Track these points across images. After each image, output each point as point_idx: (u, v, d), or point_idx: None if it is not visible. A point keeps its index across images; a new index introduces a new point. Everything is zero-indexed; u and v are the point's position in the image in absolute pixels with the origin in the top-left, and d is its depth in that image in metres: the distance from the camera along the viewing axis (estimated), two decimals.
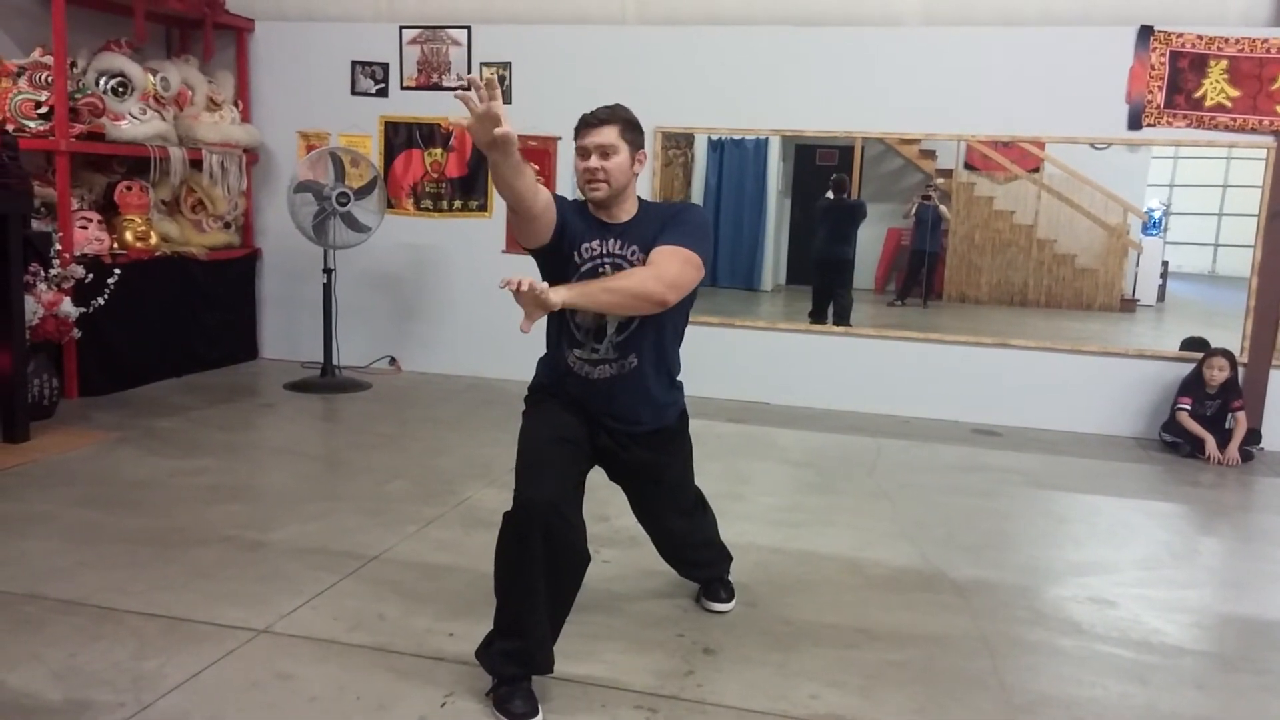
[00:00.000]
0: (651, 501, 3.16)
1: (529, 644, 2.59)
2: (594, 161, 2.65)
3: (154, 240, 6.39)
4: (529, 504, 2.57)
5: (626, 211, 2.76)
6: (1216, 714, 2.81)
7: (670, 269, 2.61)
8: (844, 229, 8.42)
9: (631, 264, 2.70)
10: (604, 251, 2.72)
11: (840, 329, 7.02)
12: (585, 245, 2.71)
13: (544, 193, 2.56)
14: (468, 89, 2.25)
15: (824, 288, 8.22)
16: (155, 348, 6.45)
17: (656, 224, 2.74)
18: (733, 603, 3.35)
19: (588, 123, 2.69)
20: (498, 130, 2.26)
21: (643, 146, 2.75)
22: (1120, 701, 2.85)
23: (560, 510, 2.59)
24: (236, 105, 7.10)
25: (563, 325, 2.82)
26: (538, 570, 2.56)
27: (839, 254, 8.31)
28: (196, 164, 6.71)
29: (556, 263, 2.71)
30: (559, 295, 2.46)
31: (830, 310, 8.05)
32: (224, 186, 6.89)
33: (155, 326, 6.42)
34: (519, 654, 2.59)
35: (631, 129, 2.71)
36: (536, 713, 2.57)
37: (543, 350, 2.99)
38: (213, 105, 6.92)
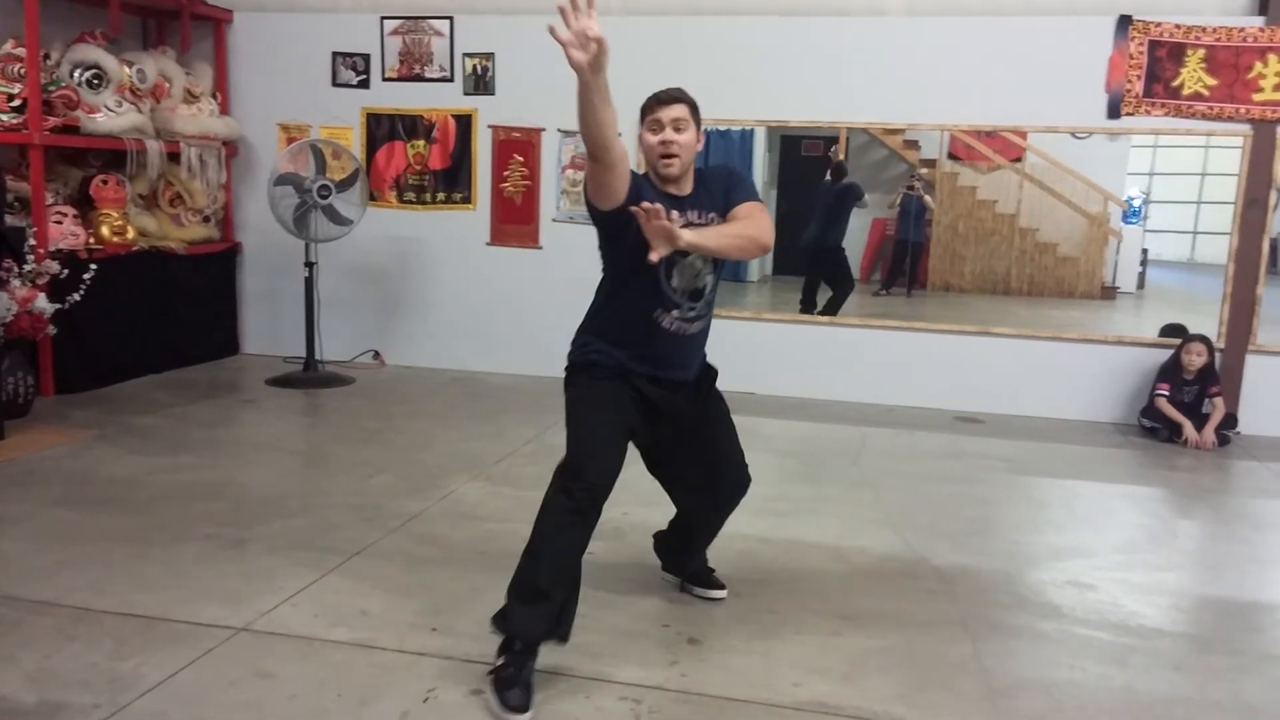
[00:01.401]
0: (708, 449, 3.09)
1: (559, 610, 2.69)
2: (669, 134, 2.75)
3: (131, 235, 6.34)
4: (597, 487, 2.71)
5: (689, 183, 2.86)
6: (1193, 694, 2.84)
7: (766, 221, 2.82)
8: (843, 212, 8.49)
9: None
10: (685, 222, 2.71)
11: (825, 319, 7.03)
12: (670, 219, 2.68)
13: (620, 141, 2.59)
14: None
15: (819, 274, 8.24)
16: (133, 344, 6.40)
17: (719, 189, 2.87)
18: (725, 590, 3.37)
19: (661, 99, 2.80)
20: (594, 37, 2.25)
21: (701, 126, 2.87)
22: (1099, 683, 2.88)
23: (598, 479, 2.73)
24: (215, 97, 7.05)
25: (651, 293, 2.82)
26: (584, 544, 2.74)
27: (834, 239, 8.37)
28: (174, 157, 6.66)
29: (637, 246, 2.58)
30: (687, 235, 2.54)
31: (822, 299, 8.05)
32: (203, 180, 6.84)
33: (133, 322, 6.37)
34: (549, 617, 2.68)
35: (696, 110, 2.84)
36: (529, 707, 2.57)
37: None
38: (190, 97, 6.86)
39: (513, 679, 2.59)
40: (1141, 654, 3.08)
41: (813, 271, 8.29)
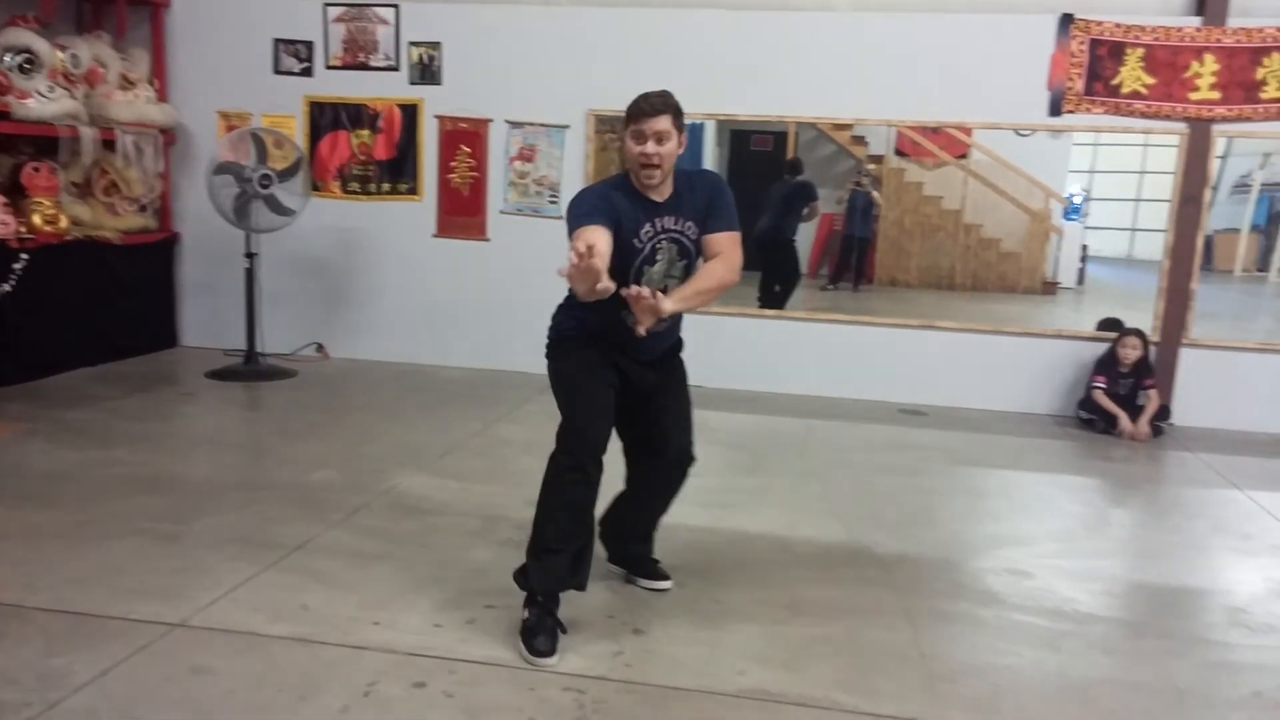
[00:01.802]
0: (661, 417, 3.15)
1: (571, 561, 2.90)
2: (650, 147, 2.81)
3: (64, 224, 6.18)
4: (595, 445, 2.89)
5: (669, 187, 2.95)
6: (1124, 677, 2.90)
7: (736, 256, 2.95)
8: (795, 207, 8.56)
9: (689, 239, 2.96)
10: (659, 229, 2.93)
11: (772, 313, 7.06)
12: (642, 230, 2.90)
13: (603, 242, 2.70)
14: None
15: (772, 267, 8.29)
16: (67, 336, 6.24)
17: (701, 199, 2.97)
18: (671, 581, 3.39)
19: (645, 111, 2.82)
20: (599, 285, 2.50)
21: (684, 130, 2.92)
22: (1034, 668, 2.93)
23: (593, 449, 2.91)
24: (152, 84, 6.89)
25: (619, 302, 2.82)
26: (588, 499, 2.92)
27: (787, 233, 8.44)
28: (110, 145, 6.50)
29: (616, 253, 2.81)
30: (669, 304, 2.72)
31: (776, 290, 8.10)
32: (139, 168, 6.68)
33: (67, 314, 6.21)
34: (561, 569, 2.89)
35: (679, 115, 2.89)
36: (555, 652, 2.81)
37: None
38: (126, 83, 6.70)
39: (536, 628, 2.85)
40: (1075, 638, 3.14)
41: (766, 265, 8.34)
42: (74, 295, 6.26)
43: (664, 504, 3.35)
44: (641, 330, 2.70)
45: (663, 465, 3.21)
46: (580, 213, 2.80)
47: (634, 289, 2.61)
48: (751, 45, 6.39)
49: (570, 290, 2.96)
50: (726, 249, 2.94)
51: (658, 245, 2.93)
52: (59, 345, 6.18)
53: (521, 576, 2.97)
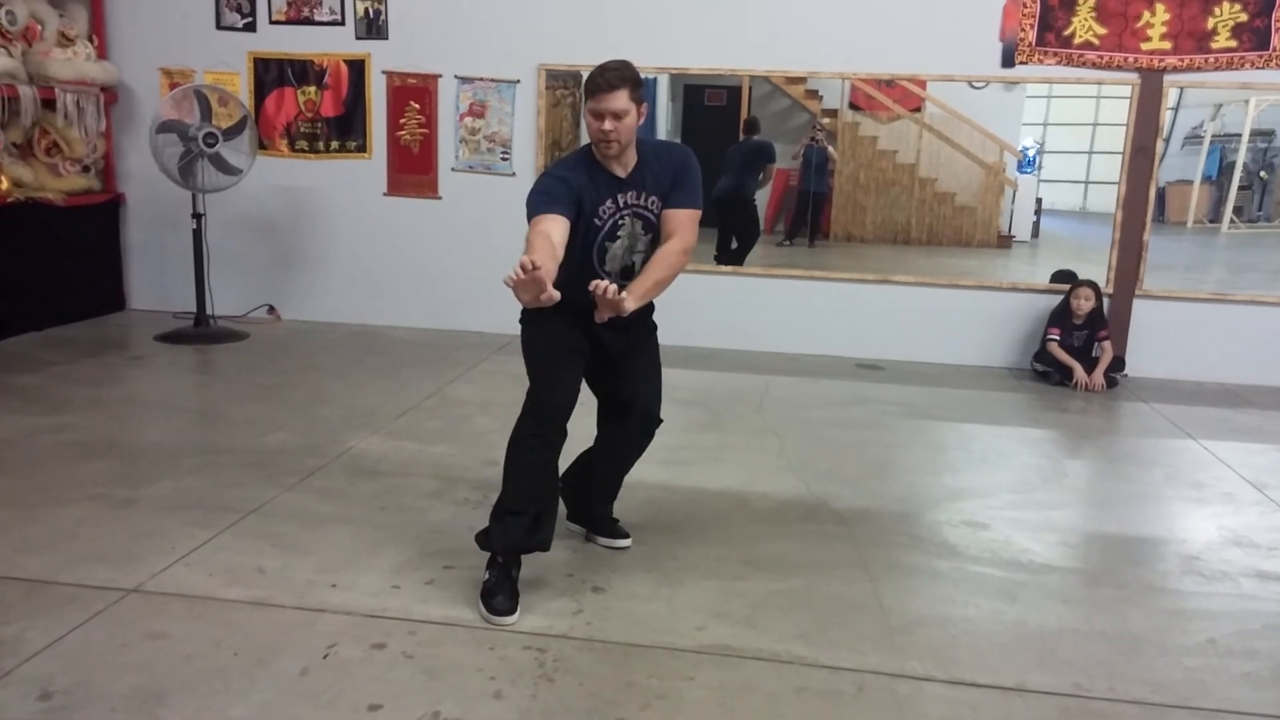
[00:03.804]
0: (629, 379, 3.17)
1: (532, 523, 2.90)
2: (608, 124, 2.78)
3: (5, 186, 6.00)
4: (555, 411, 2.91)
5: (630, 158, 2.91)
6: (1080, 625, 2.95)
7: (690, 235, 2.95)
8: (755, 167, 8.56)
9: (653, 214, 2.95)
10: (620, 205, 2.91)
11: (729, 269, 7.05)
12: (601, 208, 2.88)
13: (557, 233, 2.72)
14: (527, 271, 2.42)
15: (731, 225, 8.28)
16: (11, 300, 6.08)
17: (666, 174, 2.94)
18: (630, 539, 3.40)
19: (600, 87, 2.77)
20: (543, 296, 2.48)
21: (645, 100, 2.87)
22: (991, 618, 2.97)
23: (559, 415, 2.94)
24: (91, 40, 6.68)
25: (586, 272, 2.86)
26: (547, 462, 2.94)
27: (748, 191, 8.43)
28: (49, 104, 6.32)
29: (577, 230, 2.84)
30: (630, 303, 2.69)
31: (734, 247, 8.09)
32: (80, 128, 6.50)
33: (10, 278, 6.05)
34: (521, 530, 2.89)
35: (637, 87, 2.84)
36: (515, 611, 2.83)
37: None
38: (65, 40, 6.49)
39: (496, 588, 2.86)
40: (1032, 589, 3.19)
41: (725, 223, 8.32)
42: (17, 259, 6.11)
43: (627, 464, 3.35)
44: (601, 318, 2.70)
45: (629, 426, 3.20)
46: (539, 200, 2.78)
47: (597, 284, 2.59)
48: None
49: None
50: (684, 227, 2.93)
51: (619, 221, 2.92)
52: (3, 310, 6.03)
53: (484, 537, 2.98)
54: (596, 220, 2.89)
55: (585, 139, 2.96)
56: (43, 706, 2.33)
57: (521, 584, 2.95)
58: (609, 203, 2.89)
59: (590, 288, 2.60)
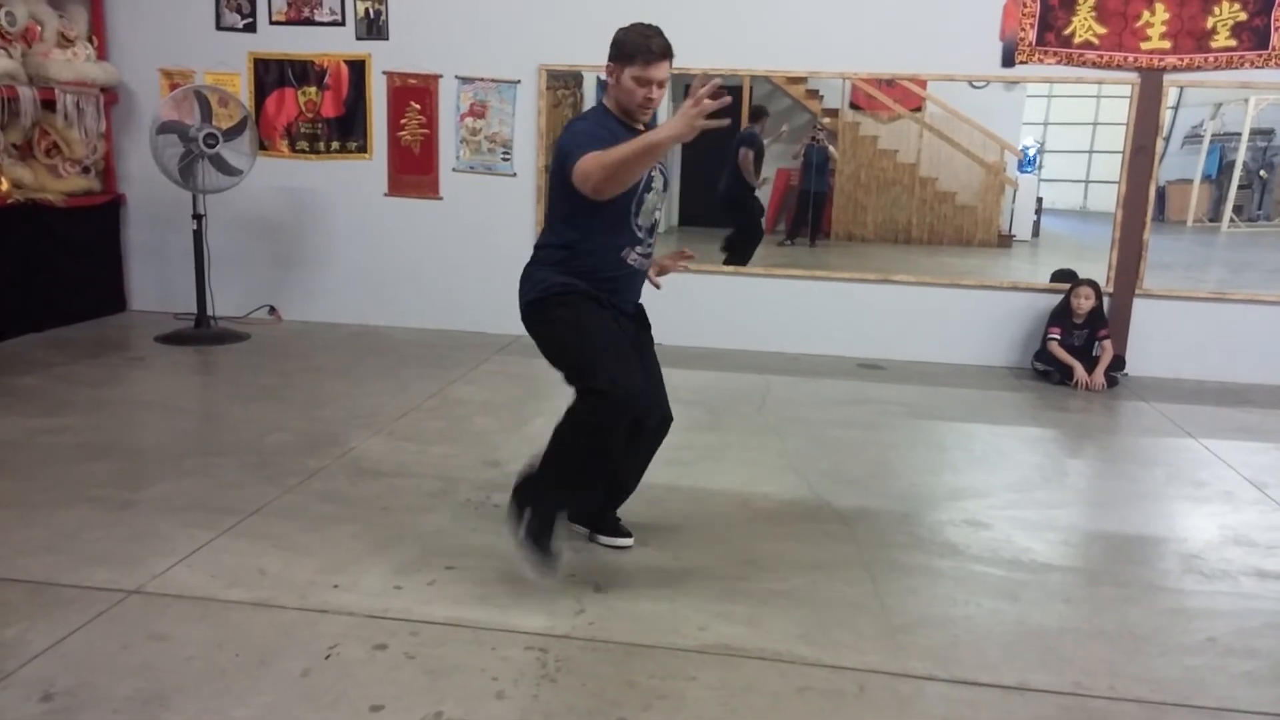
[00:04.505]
0: (643, 450, 3.28)
1: (592, 502, 3.08)
2: (654, 92, 2.88)
3: (5, 187, 6.01)
4: (630, 392, 2.84)
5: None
6: (1081, 624, 2.95)
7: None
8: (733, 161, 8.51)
9: (661, 164, 3.01)
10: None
11: (730, 269, 7.05)
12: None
13: None
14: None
15: (737, 222, 8.28)
16: (11, 302, 6.08)
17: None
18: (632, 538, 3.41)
19: (655, 53, 2.84)
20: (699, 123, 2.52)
21: None
22: (992, 617, 2.97)
23: (647, 399, 2.97)
24: (91, 41, 6.68)
25: (621, 229, 2.97)
26: (619, 446, 2.95)
27: (735, 189, 8.40)
28: (50, 105, 6.32)
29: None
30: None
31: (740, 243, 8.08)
32: (81, 129, 6.50)
33: (11, 279, 6.05)
34: (585, 502, 3.08)
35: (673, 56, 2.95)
36: (560, 555, 2.92)
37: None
38: (65, 41, 6.49)
39: (546, 528, 2.89)
40: (1033, 588, 3.19)
41: (732, 221, 8.31)
42: (18, 260, 6.11)
43: (645, 463, 3.37)
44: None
45: (645, 431, 3.20)
46: (589, 141, 2.77)
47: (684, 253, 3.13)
48: None
49: (561, 250, 2.98)
50: None
51: (651, 173, 2.95)
52: (3, 311, 6.03)
53: (535, 498, 2.91)
54: (641, 183, 2.92)
55: None
56: (44, 708, 2.33)
57: (524, 583, 2.95)
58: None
59: (681, 262, 2.96)
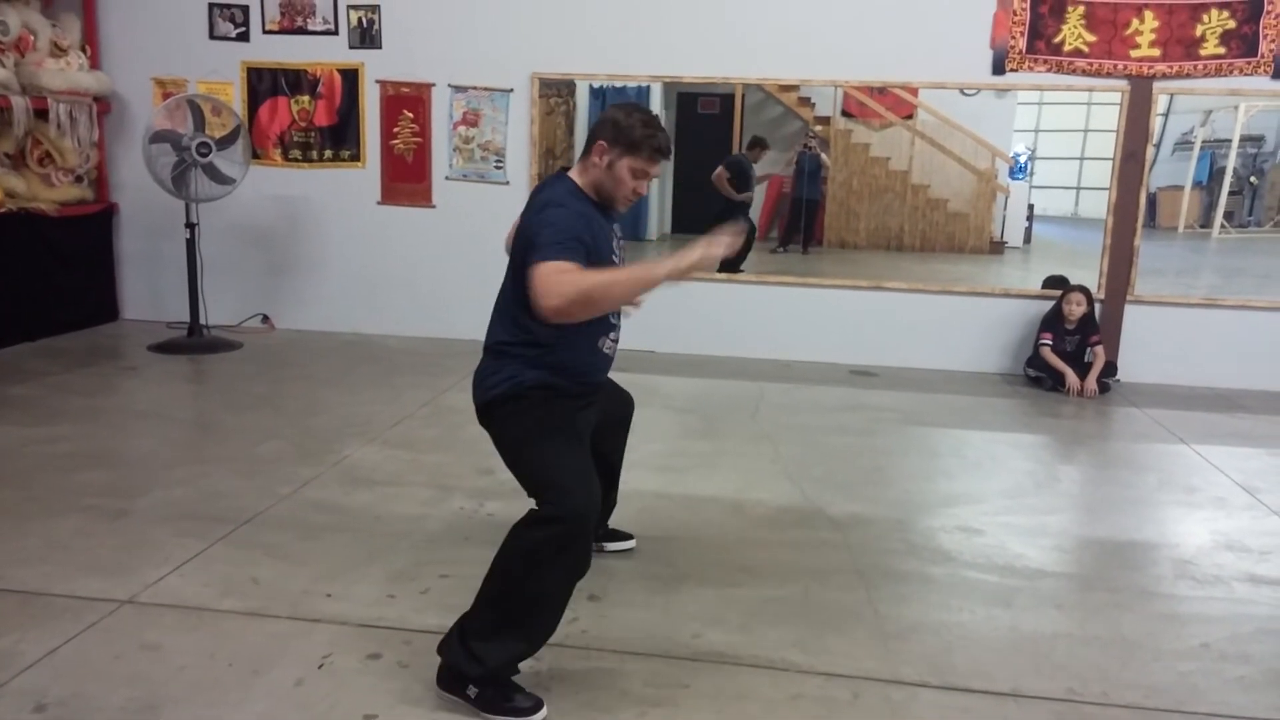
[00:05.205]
0: (611, 439, 3.20)
1: (537, 647, 2.50)
2: (643, 187, 2.70)
3: None
4: (585, 518, 2.43)
5: None
6: (1074, 630, 2.96)
7: None
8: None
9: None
10: (617, 237, 2.82)
11: (723, 276, 7.06)
12: (614, 245, 2.76)
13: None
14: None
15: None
16: (4, 311, 6.06)
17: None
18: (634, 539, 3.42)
19: (661, 152, 2.66)
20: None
21: None
22: (986, 623, 2.98)
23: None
24: (84, 50, 6.67)
25: (600, 323, 2.71)
26: (574, 579, 2.49)
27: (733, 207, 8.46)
28: (42, 114, 6.31)
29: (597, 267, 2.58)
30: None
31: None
32: (74, 138, 6.50)
33: (3, 288, 6.04)
34: (525, 655, 2.48)
35: None
36: (542, 704, 2.42)
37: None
38: (58, 51, 6.49)
39: (509, 690, 2.43)
40: (1026, 594, 3.19)
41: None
42: (10, 269, 6.10)
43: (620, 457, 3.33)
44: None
45: (610, 486, 3.21)
46: (560, 237, 2.41)
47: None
48: (697, 6, 6.32)
49: (534, 348, 2.64)
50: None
51: (622, 255, 2.78)
52: None
53: (483, 655, 2.41)
54: (614, 258, 2.70)
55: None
56: (37, 719, 2.33)
57: None
58: (615, 240, 2.78)
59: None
